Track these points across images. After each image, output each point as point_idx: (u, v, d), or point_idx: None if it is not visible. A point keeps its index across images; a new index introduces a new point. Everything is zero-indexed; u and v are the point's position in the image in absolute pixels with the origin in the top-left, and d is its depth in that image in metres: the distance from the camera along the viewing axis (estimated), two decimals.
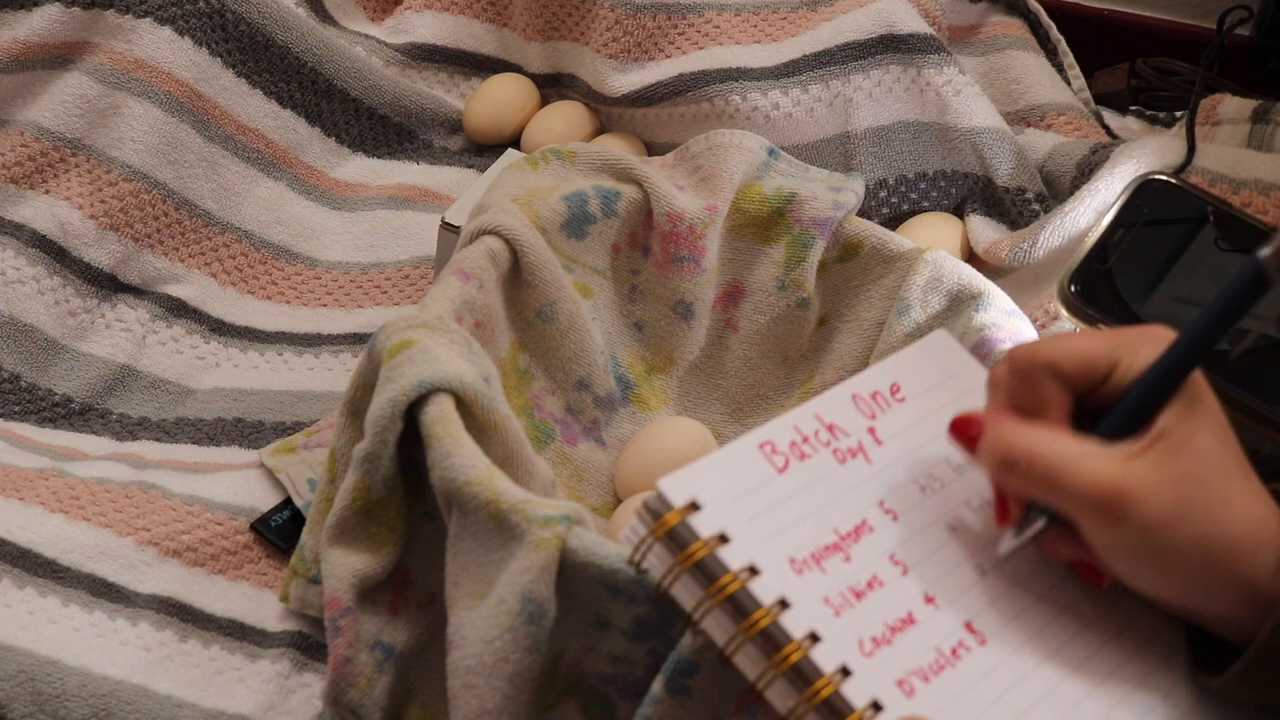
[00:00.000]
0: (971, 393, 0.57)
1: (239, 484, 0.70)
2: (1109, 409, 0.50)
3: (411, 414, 0.56)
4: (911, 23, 0.85)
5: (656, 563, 0.47)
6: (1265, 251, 0.47)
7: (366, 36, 0.98)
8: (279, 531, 0.68)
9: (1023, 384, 0.50)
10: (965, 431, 0.51)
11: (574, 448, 0.70)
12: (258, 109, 0.88)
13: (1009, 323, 0.67)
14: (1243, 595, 0.47)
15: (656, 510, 0.47)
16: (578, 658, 0.54)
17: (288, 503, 0.69)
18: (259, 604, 0.66)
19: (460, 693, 0.51)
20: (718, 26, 0.89)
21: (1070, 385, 0.50)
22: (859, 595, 0.48)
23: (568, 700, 0.54)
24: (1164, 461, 0.47)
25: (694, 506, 0.47)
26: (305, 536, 0.65)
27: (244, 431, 0.76)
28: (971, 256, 0.84)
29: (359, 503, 0.58)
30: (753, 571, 0.47)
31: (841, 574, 0.48)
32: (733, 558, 0.47)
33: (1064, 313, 0.68)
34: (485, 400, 0.56)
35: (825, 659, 0.46)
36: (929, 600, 0.50)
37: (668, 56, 0.89)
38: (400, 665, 0.58)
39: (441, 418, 0.54)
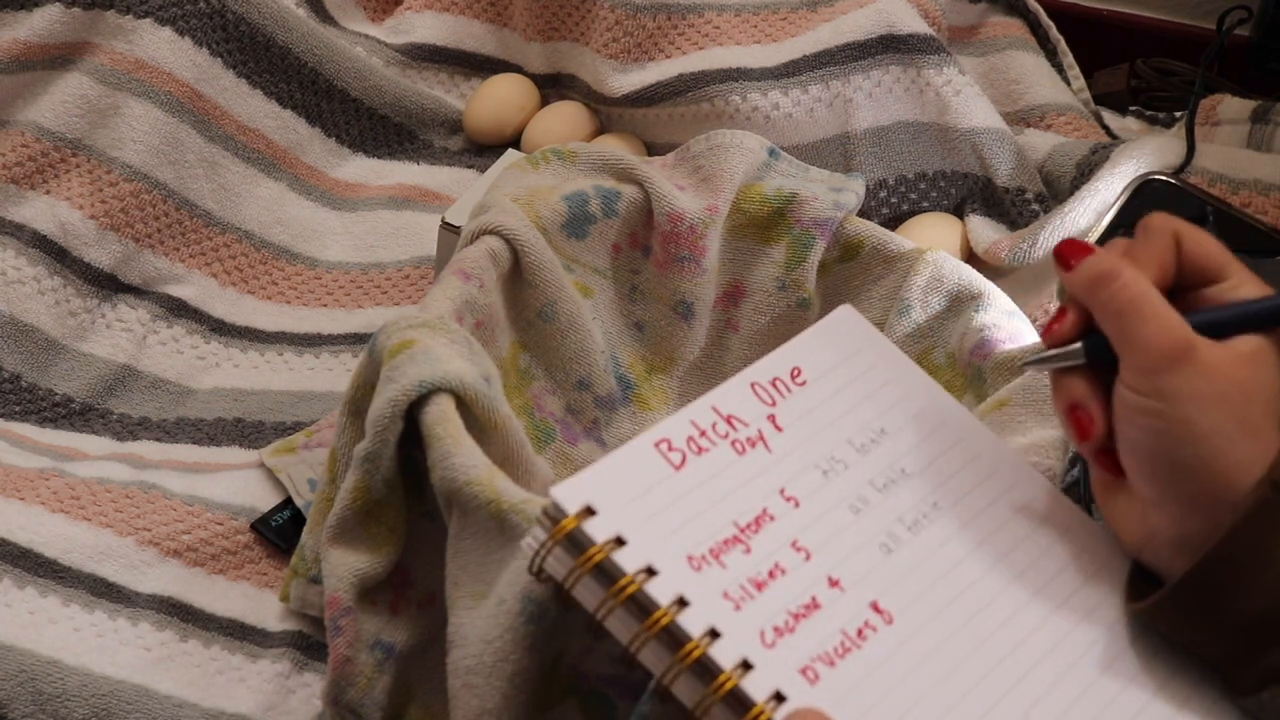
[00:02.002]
0: (874, 369, 0.57)
1: (239, 484, 0.70)
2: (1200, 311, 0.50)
3: (412, 414, 0.56)
4: (911, 23, 0.85)
5: (558, 567, 0.47)
6: None
7: (366, 37, 0.98)
8: (279, 531, 0.68)
9: (1147, 236, 0.51)
10: (1071, 250, 0.51)
11: (574, 447, 0.70)
12: (258, 109, 0.88)
13: (1009, 323, 0.67)
14: (1207, 522, 0.48)
15: (554, 516, 0.47)
16: (578, 658, 0.54)
17: (288, 503, 0.69)
18: (259, 604, 0.66)
19: (460, 692, 0.51)
20: (718, 27, 0.89)
21: (1181, 266, 0.51)
22: (760, 586, 0.48)
23: (568, 700, 0.54)
24: (1230, 362, 0.48)
25: (589, 511, 0.47)
26: (305, 536, 0.65)
27: (244, 431, 0.76)
28: (971, 257, 0.84)
29: (359, 503, 0.58)
30: (650, 572, 0.47)
31: (742, 566, 0.48)
32: (629, 560, 0.47)
33: None
34: (486, 400, 0.56)
35: (725, 654, 0.46)
36: (833, 584, 0.50)
37: (668, 57, 0.89)
38: (400, 665, 0.58)
39: (442, 418, 0.54)
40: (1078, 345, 0.51)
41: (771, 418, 0.54)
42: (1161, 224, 0.51)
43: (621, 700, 0.54)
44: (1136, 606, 0.51)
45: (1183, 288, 0.51)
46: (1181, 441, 0.48)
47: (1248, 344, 0.49)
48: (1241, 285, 0.51)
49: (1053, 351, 0.52)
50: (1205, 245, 0.51)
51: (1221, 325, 0.50)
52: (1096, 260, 0.50)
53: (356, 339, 0.82)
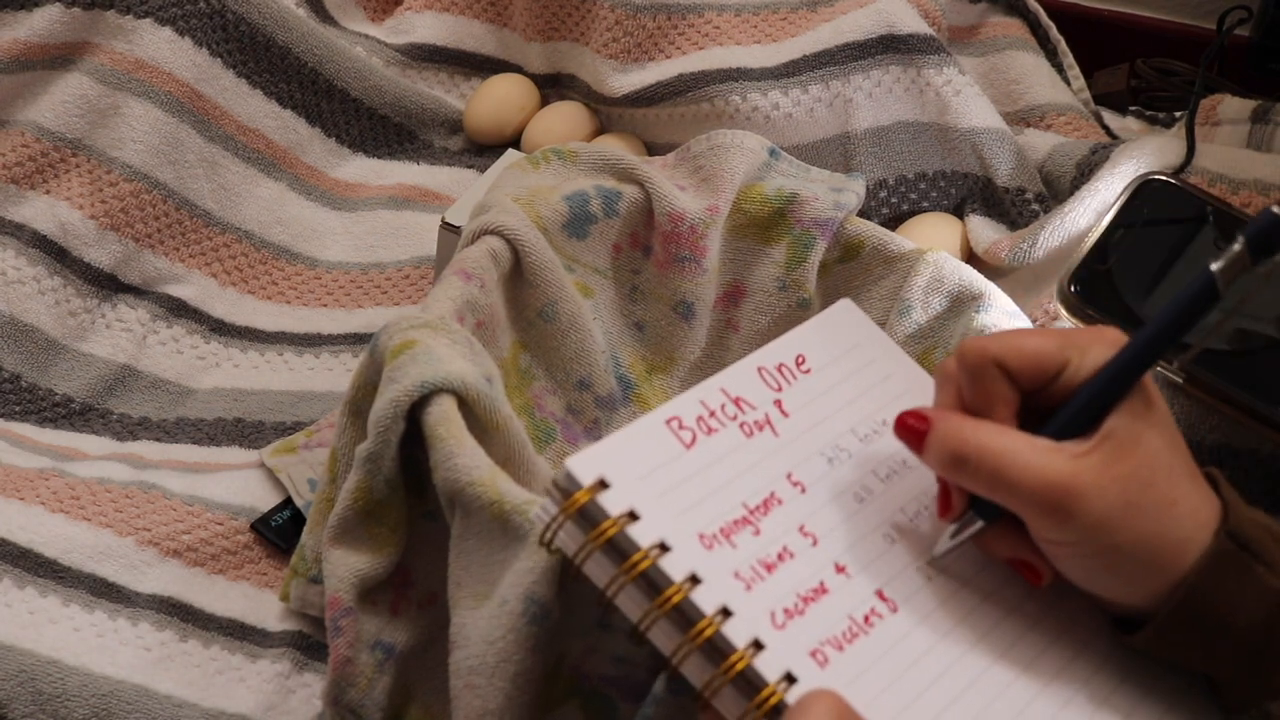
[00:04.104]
0: (876, 363, 0.58)
1: (239, 484, 0.70)
2: (1057, 408, 0.50)
3: (414, 414, 0.56)
4: (911, 23, 0.85)
5: (568, 541, 0.47)
6: (1217, 265, 0.48)
7: (366, 37, 0.98)
8: (279, 531, 0.68)
9: (972, 380, 0.50)
10: (911, 429, 0.51)
11: (575, 447, 0.70)
12: (258, 109, 0.88)
13: (1010, 324, 0.67)
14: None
15: (566, 489, 0.47)
16: (580, 658, 0.54)
17: (288, 503, 0.69)
18: (259, 604, 0.66)
19: (463, 693, 0.51)
20: (718, 27, 0.89)
21: (1019, 383, 0.50)
22: (769, 568, 0.48)
23: (570, 701, 0.54)
24: (1111, 461, 0.47)
25: (603, 484, 0.47)
26: (306, 536, 0.65)
27: (244, 431, 0.76)
28: (971, 257, 0.84)
29: (361, 503, 0.58)
30: (663, 548, 0.47)
31: (751, 547, 0.49)
32: (643, 535, 0.47)
33: (1064, 313, 0.68)
34: (487, 400, 0.56)
35: (737, 633, 0.46)
36: (840, 569, 0.50)
37: (668, 57, 0.89)
38: (401, 665, 0.58)
39: (444, 418, 0.54)
40: (971, 515, 0.51)
41: (778, 403, 0.54)
42: (978, 358, 0.50)
43: (623, 702, 0.54)
44: (1129, 640, 0.51)
45: (1032, 392, 0.50)
46: (1116, 561, 0.48)
47: (1119, 428, 0.48)
48: (1084, 359, 0.50)
49: (954, 541, 0.52)
50: (1029, 351, 0.50)
51: (1078, 421, 0.49)
52: (942, 440, 0.49)
53: (356, 339, 0.82)
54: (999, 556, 0.52)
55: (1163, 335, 0.49)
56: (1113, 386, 0.49)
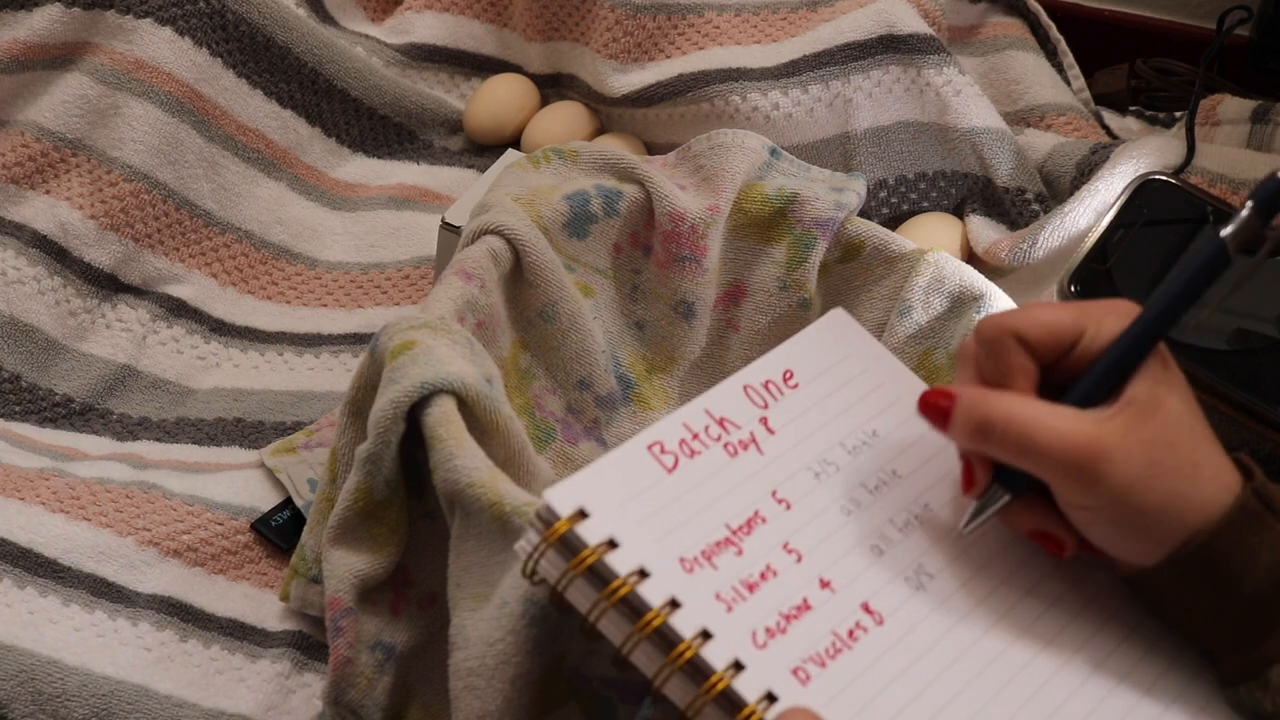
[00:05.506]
0: (867, 372, 0.58)
1: (239, 484, 0.70)
2: (1074, 379, 0.50)
3: (414, 415, 0.56)
4: (911, 23, 0.85)
5: (550, 570, 0.48)
6: (1227, 230, 0.49)
7: (367, 37, 0.98)
8: (279, 531, 0.68)
9: (990, 354, 0.51)
10: (935, 405, 0.51)
11: (575, 447, 0.70)
12: (258, 109, 0.88)
13: None
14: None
15: (547, 520, 0.48)
16: (580, 659, 0.54)
17: (288, 503, 0.69)
18: (259, 604, 0.66)
19: (462, 694, 0.51)
20: (718, 27, 0.89)
21: (1037, 354, 0.51)
22: (752, 588, 0.49)
23: (569, 702, 0.54)
24: (1135, 425, 0.48)
25: (582, 514, 0.48)
26: (306, 536, 0.65)
27: (244, 431, 0.76)
28: (971, 257, 0.84)
29: (361, 503, 0.58)
30: (642, 574, 0.47)
31: (733, 568, 0.49)
32: (621, 562, 0.47)
33: None
34: (487, 401, 0.56)
35: (717, 655, 0.46)
36: (824, 585, 0.50)
37: (668, 57, 0.89)
38: (401, 665, 0.58)
39: (444, 419, 0.54)
40: (996, 490, 0.51)
41: (764, 420, 0.54)
42: (994, 331, 0.51)
43: (623, 703, 0.54)
44: (1137, 581, 0.51)
45: (1050, 364, 0.51)
46: (1143, 524, 0.48)
47: (1140, 393, 0.49)
48: (1100, 329, 0.50)
49: (983, 516, 0.52)
50: (1045, 321, 0.50)
51: (1099, 389, 0.50)
52: (968, 411, 0.50)
53: (356, 339, 0.82)
54: (1023, 530, 0.52)
55: (1177, 301, 0.50)
56: (1131, 353, 0.49)
